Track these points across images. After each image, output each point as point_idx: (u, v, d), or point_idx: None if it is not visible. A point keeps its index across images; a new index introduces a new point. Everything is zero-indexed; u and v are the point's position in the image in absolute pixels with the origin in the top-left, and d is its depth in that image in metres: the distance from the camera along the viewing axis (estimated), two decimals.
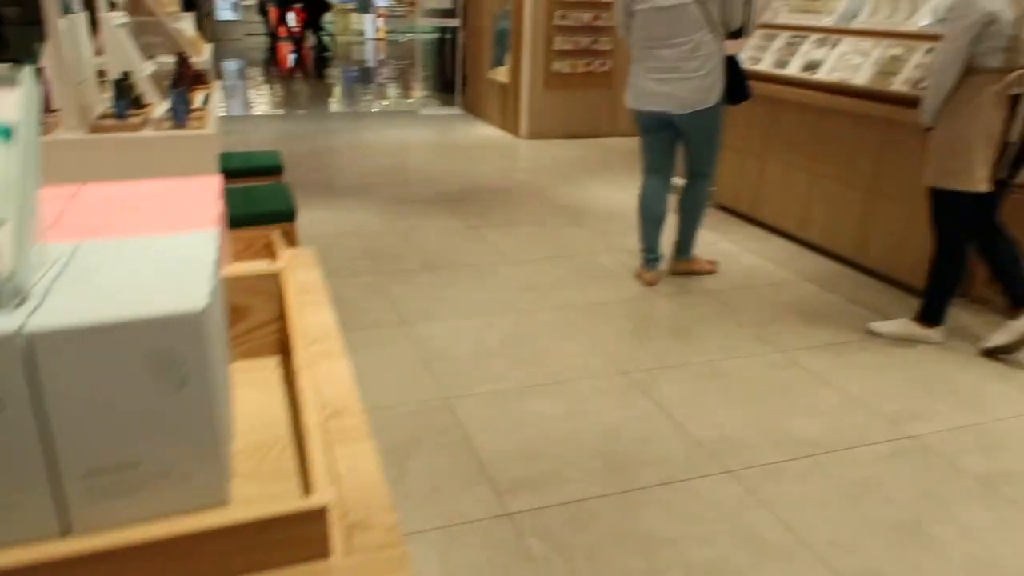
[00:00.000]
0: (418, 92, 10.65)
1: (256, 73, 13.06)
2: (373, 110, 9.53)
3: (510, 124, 7.79)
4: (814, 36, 4.33)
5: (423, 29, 11.18)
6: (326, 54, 17.04)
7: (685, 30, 3.30)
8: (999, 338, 3.05)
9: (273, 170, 3.54)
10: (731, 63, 3.44)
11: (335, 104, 10.13)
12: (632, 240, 4.14)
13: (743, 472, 2.31)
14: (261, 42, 19.03)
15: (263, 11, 22.32)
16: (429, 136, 7.65)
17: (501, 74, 8.04)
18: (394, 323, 3.29)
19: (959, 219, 3.00)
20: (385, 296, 3.57)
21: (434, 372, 2.87)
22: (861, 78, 3.86)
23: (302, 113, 9.01)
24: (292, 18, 22.76)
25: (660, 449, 2.42)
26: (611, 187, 5.62)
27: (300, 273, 1.19)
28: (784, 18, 4.62)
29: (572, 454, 2.38)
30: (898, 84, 3.64)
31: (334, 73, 14.26)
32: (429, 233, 4.51)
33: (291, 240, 2.88)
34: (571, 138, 7.63)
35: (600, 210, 5.06)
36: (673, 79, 3.38)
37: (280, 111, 9.28)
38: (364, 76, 13.79)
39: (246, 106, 9.48)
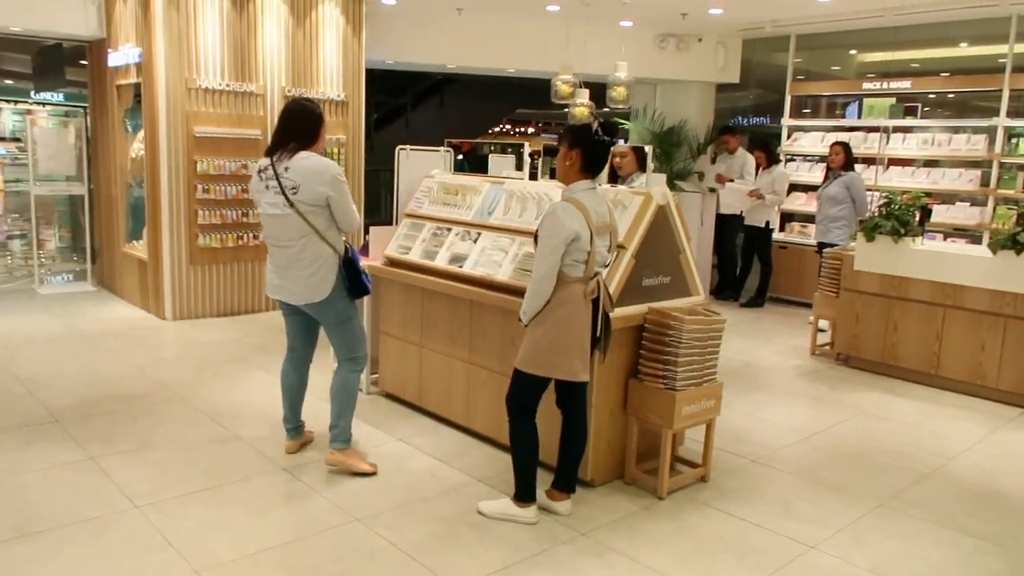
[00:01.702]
0: (46, 259, 9.22)
1: None
2: None
3: (153, 304, 6.96)
4: (457, 229, 4.44)
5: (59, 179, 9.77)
6: None
7: (291, 235, 3.56)
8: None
9: None
10: (348, 262, 3.68)
11: None
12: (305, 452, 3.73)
13: None
14: None
15: None
16: (49, 324, 6.49)
17: (139, 249, 7.24)
18: None
19: (535, 399, 3.30)
20: None
21: None
22: (504, 274, 3.99)
23: None
24: None
25: None
26: (268, 378, 5.13)
27: None
28: (427, 209, 4.71)
29: None
30: None
31: None
32: (29, 478, 3.60)
33: None
34: (225, 315, 7.03)
35: (255, 413, 4.54)
36: (287, 274, 3.65)
37: None
38: None
39: None
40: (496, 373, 4.07)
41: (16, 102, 18.61)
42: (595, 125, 3.15)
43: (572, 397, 3.38)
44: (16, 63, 15.84)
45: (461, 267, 4.22)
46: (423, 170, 4.98)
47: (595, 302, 3.23)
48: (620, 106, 7.37)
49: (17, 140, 8.83)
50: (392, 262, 4.69)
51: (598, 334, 3.27)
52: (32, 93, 17.96)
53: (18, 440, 4.03)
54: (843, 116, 8.85)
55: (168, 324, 6.69)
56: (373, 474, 3.74)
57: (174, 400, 4.74)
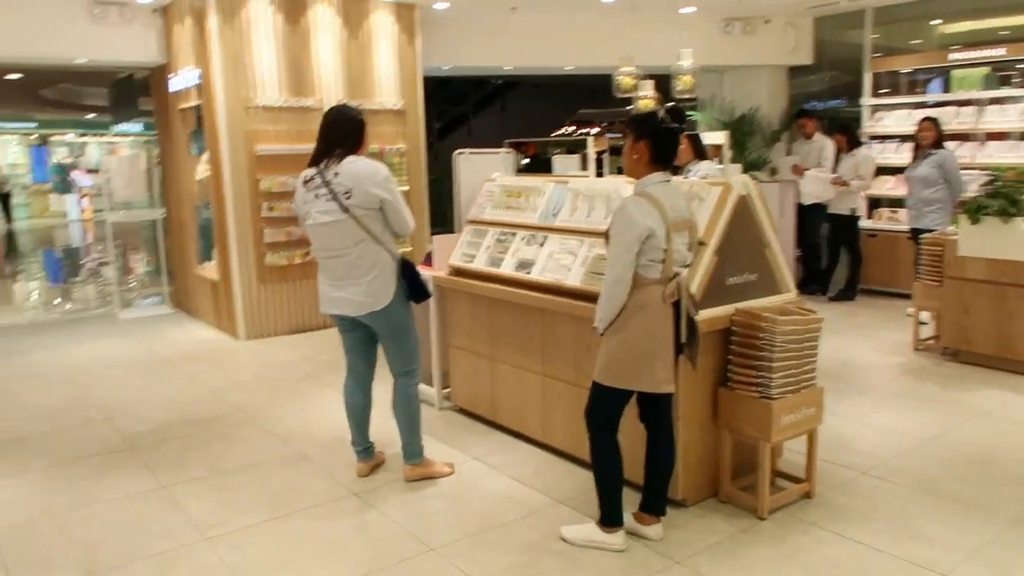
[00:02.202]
0: (129, 284, 9.46)
1: None
2: (52, 317, 8.17)
3: (226, 324, 6.98)
4: (521, 233, 4.22)
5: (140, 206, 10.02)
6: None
7: (346, 242, 3.44)
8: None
9: None
10: (406, 264, 3.58)
11: (7, 311, 8.59)
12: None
13: None
14: None
15: None
16: (128, 349, 6.57)
17: (210, 270, 7.28)
18: None
19: (617, 413, 3.03)
20: None
21: None
22: (574, 278, 3.74)
23: None
24: None
25: None
26: (340, 396, 4.99)
27: None
28: (490, 214, 4.50)
29: None
30: None
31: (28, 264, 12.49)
32: (101, 509, 3.54)
33: None
34: (297, 333, 6.99)
35: (326, 434, 4.41)
36: (346, 284, 3.51)
37: None
38: (68, 260, 12.29)
39: None
40: (572, 385, 3.82)
41: (100, 135, 19.46)
42: (660, 112, 2.88)
43: (656, 410, 3.11)
44: (97, 97, 16.50)
45: (528, 273, 4.00)
46: (485, 174, 4.79)
47: (676, 305, 2.94)
48: (687, 96, 7.02)
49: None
50: (457, 271, 4.50)
51: (683, 340, 2.98)
52: (112, 125, 18.77)
53: (93, 468, 4.00)
54: (924, 92, 8.25)
55: (241, 344, 6.69)
56: (451, 473, 3.80)
57: (247, 422, 4.66)
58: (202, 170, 7.27)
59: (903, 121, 8.05)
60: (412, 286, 3.59)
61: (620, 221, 2.82)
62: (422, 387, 4.93)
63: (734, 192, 3.38)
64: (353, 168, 3.40)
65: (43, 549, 3.21)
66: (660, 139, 2.88)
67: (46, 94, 15.61)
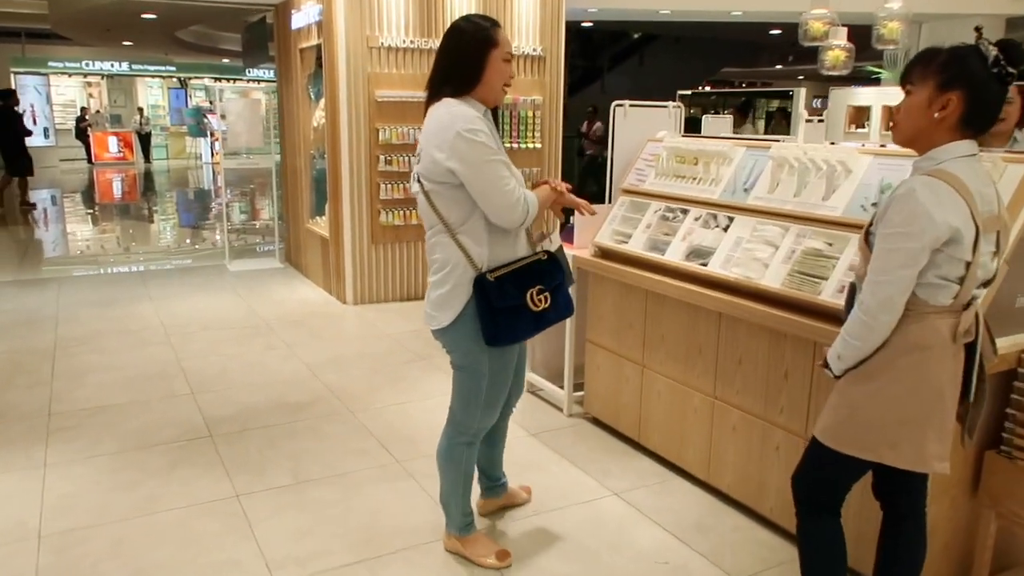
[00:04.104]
0: (242, 235, 9.13)
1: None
2: (168, 266, 7.87)
3: (334, 286, 6.38)
4: (696, 211, 3.25)
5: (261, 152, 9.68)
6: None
7: (427, 223, 2.43)
8: None
9: None
10: (484, 285, 2.30)
11: (123, 256, 8.39)
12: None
13: None
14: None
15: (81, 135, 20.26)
16: (231, 307, 6.08)
17: (321, 226, 6.69)
18: None
19: (843, 489, 2.09)
20: None
21: None
22: (773, 278, 2.76)
23: (78, 274, 7.20)
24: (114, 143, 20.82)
25: None
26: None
27: None
28: (653, 183, 3.55)
29: None
30: (830, 293, 2.55)
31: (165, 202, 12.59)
32: (162, 521, 2.92)
33: None
34: (409, 300, 6.32)
35: (433, 439, 3.65)
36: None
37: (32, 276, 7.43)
38: (200, 203, 12.31)
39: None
40: (757, 418, 2.87)
41: (235, 80, 19.57)
42: (990, 50, 1.81)
43: (907, 490, 2.12)
44: (231, 41, 16.45)
45: (705, 265, 3.04)
46: (645, 134, 3.83)
47: (968, 347, 1.93)
48: (890, 47, 5.73)
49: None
50: (605, 253, 3.60)
51: (970, 398, 1.96)
52: (246, 71, 18.82)
53: (165, 460, 3.41)
54: None
55: (348, 309, 6.07)
56: (501, 569, 2.62)
57: (342, 413, 3.98)
58: (319, 116, 6.65)
59: None
60: (484, 318, 2.33)
61: (904, 215, 1.79)
62: (548, 387, 4.11)
63: None
64: (429, 119, 2.35)
65: (87, 563, 2.61)
66: (983, 90, 1.81)
67: (182, 36, 15.63)
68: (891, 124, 1.96)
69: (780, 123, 11.39)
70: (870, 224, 1.92)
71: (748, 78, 25.98)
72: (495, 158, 2.25)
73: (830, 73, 5.89)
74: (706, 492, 3.15)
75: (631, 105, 3.79)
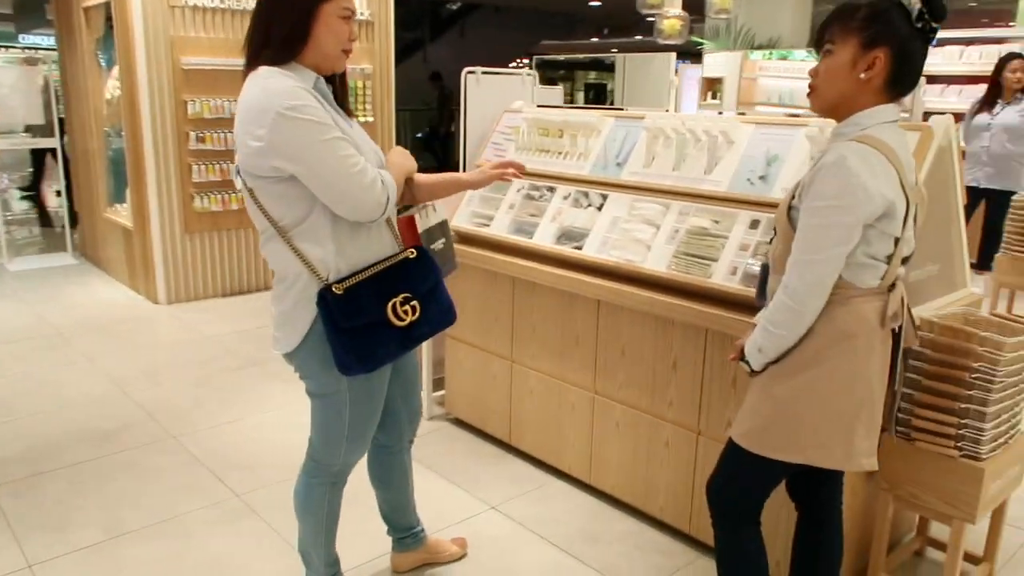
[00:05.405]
0: (14, 227, 7.84)
1: None
2: None
3: (143, 284, 5.56)
4: (564, 188, 2.97)
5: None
6: None
7: (258, 225, 1.90)
8: None
9: None
10: (328, 301, 1.80)
11: None
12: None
13: None
14: None
15: None
16: (12, 314, 5.12)
17: (123, 215, 5.81)
18: None
19: (763, 494, 1.88)
20: None
21: None
22: (657, 261, 2.53)
23: None
24: None
25: None
26: (292, 392, 3.75)
27: None
28: (513, 158, 3.21)
29: None
30: (721, 276, 2.35)
31: None
32: None
33: None
34: (232, 295, 5.64)
35: (282, 461, 3.15)
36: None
37: None
38: None
39: None
40: (643, 413, 2.65)
41: (7, 48, 17.05)
42: (913, 4, 1.62)
43: (827, 488, 1.97)
44: (2, 4, 14.24)
45: (580, 248, 2.77)
46: (497, 104, 3.49)
47: (894, 334, 1.77)
48: (722, 17, 5.78)
49: None
50: (464, 238, 3.24)
51: (896, 387, 1.82)
52: (18, 37, 16.43)
53: None
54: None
55: (161, 310, 5.31)
56: (462, 556, 2.45)
57: (163, 439, 3.36)
58: (112, 87, 5.74)
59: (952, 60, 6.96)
60: (332, 342, 1.82)
61: (835, 186, 1.57)
62: None
63: (934, 143, 2.19)
64: (240, 98, 1.81)
65: None
66: (908, 48, 1.63)
67: None
68: (809, 89, 1.74)
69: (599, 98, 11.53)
70: (792, 198, 1.71)
71: (568, 50, 26.39)
72: (331, 136, 1.74)
73: (667, 42, 5.86)
74: (589, 495, 2.91)
75: (483, 72, 3.44)
